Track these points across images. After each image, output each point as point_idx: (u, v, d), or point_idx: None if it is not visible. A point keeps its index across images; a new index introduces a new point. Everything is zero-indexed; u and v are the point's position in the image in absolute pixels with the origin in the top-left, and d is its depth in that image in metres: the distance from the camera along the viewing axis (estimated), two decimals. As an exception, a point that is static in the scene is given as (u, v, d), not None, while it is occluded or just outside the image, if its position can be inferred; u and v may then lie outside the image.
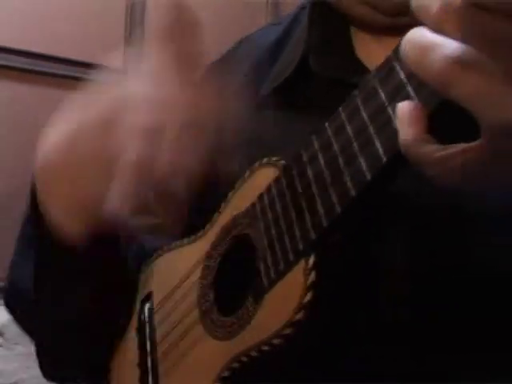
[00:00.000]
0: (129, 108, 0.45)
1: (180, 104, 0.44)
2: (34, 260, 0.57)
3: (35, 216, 0.53)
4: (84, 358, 0.62)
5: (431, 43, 0.32)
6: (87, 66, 2.08)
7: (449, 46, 0.31)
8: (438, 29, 0.32)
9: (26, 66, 1.95)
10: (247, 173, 0.52)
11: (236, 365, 0.46)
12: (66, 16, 2.00)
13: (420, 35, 0.33)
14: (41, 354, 0.63)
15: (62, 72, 2.00)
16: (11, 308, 0.64)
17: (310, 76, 0.57)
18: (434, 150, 0.34)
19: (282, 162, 0.49)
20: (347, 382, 0.45)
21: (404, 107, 0.35)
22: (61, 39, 1.99)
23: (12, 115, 1.93)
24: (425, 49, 0.32)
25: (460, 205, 0.46)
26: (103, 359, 0.62)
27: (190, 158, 0.43)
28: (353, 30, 0.59)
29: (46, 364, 0.63)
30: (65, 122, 0.49)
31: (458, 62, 0.31)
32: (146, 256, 0.63)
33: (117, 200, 0.43)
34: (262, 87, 0.61)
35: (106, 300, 0.58)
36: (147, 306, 0.60)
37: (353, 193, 0.40)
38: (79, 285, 0.56)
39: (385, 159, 0.38)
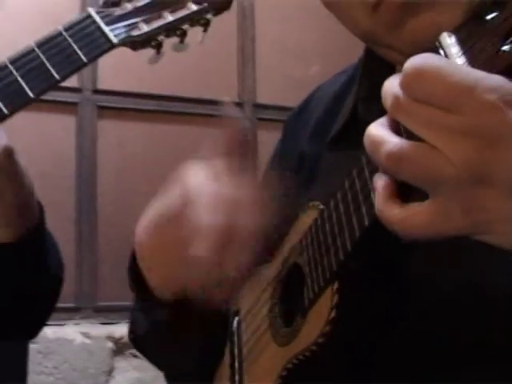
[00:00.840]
0: (195, 203, 0.57)
1: (246, 207, 0.57)
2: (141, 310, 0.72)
3: (135, 275, 0.67)
4: (195, 376, 0.77)
5: (379, 139, 0.40)
6: (209, 102, 2.29)
7: (390, 141, 0.39)
8: (393, 117, 0.41)
9: (155, 108, 2.19)
10: (300, 213, 0.66)
11: (290, 365, 0.60)
12: (185, 58, 2.21)
13: (374, 131, 0.40)
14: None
15: (188, 110, 2.21)
16: (131, 339, 0.77)
17: (360, 122, 0.66)
18: (397, 212, 0.40)
19: (321, 206, 0.61)
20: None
21: (377, 178, 0.43)
22: (183, 80, 2.21)
23: (146, 154, 2.16)
24: (375, 144, 0.40)
25: None
26: (211, 370, 0.77)
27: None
28: None
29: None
30: (152, 209, 0.61)
31: (395, 157, 0.38)
32: None
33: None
34: (331, 131, 0.72)
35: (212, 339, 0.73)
36: (236, 319, 0.75)
37: (357, 234, 0.52)
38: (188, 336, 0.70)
39: None
